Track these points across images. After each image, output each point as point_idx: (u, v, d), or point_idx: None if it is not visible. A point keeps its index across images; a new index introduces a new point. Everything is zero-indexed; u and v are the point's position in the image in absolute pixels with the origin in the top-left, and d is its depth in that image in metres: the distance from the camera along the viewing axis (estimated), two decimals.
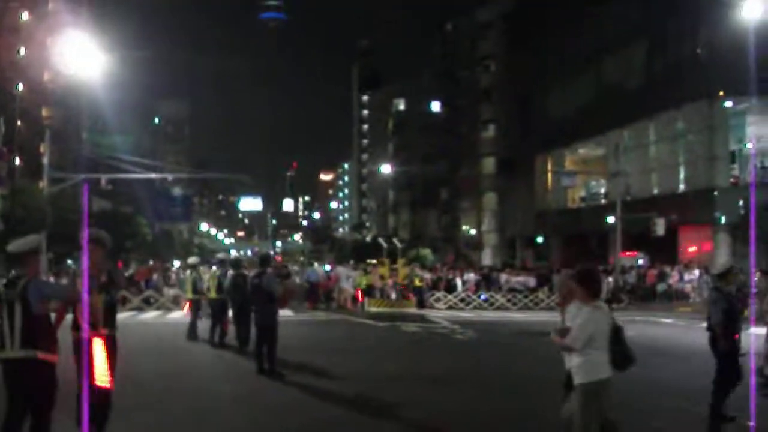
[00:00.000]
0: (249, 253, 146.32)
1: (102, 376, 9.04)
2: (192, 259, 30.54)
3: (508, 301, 43.17)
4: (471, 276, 47.77)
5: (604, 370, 8.25)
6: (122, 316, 32.21)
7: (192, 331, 24.34)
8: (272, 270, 20.70)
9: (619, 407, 13.44)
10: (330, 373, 17.31)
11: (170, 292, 41.34)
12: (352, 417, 12.78)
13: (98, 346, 9.04)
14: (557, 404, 9.37)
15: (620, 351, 8.34)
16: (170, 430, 11.91)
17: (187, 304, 27.63)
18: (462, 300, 42.86)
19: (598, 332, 8.23)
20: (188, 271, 28.38)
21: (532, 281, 47.51)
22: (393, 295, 42.93)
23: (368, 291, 42.65)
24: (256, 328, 17.53)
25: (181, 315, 32.07)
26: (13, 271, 8.53)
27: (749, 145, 51.18)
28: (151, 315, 36.26)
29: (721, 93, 49.72)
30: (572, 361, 8.41)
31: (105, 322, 9.37)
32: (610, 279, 30.37)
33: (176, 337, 24.97)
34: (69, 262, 55.74)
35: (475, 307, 42.21)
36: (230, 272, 24.21)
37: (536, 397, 14.35)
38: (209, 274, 26.31)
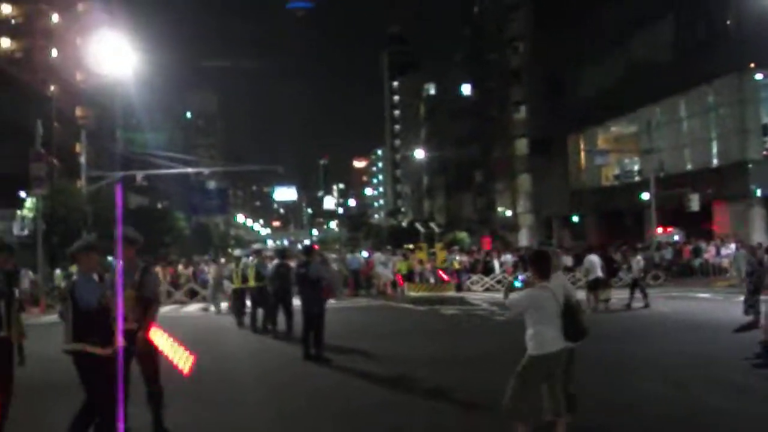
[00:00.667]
0: (285, 242, 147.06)
1: (180, 359, 9.74)
2: (237, 252, 31.30)
3: None
4: (508, 257, 47.89)
5: (552, 344, 8.97)
6: (165, 309, 32.82)
7: (240, 319, 25.32)
8: (320, 259, 21.35)
9: (657, 379, 13.83)
10: (374, 357, 17.68)
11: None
12: (398, 399, 13.03)
13: (157, 338, 9.53)
14: (596, 380, 9.63)
15: (571, 324, 8.97)
16: (217, 416, 12.21)
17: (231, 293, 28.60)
18: (499, 282, 42.96)
19: (539, 309, 8.97)
20: (233, 263, 29.09)
21: (569, 260, 47.59)
22: (432, 279, 43.17)
23: (408, 276, 42.85)
24: (303, 315, 17.96)
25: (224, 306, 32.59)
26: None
27: None
28: (193, 308, 36.69)
29: (752, 65, 49.55)
30: (527, 333, 9.13)
31: (136, 318, 9.81)
32: (640, 257, 30.36)
33: (221, 326, 25.53)
34: (109, 259, 56.27)
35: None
36: (275, 261, 24.72)
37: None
38: (248, 264, 26.90)
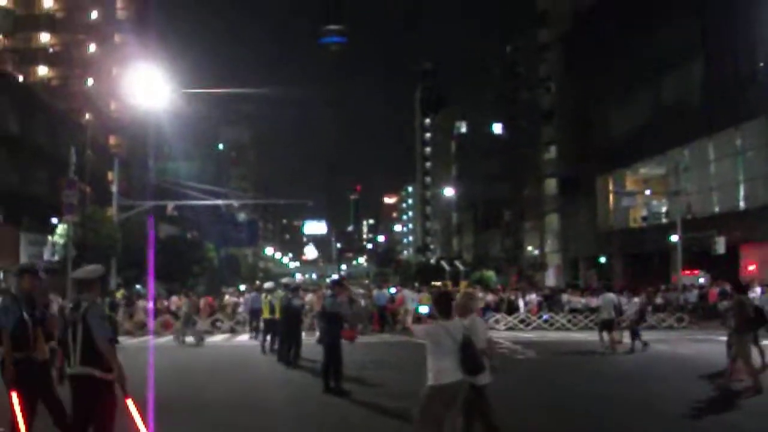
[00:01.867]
0: (314, 276, 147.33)
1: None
2: (268, 284, 31.88)
3: (569, 321, 43.29)
4: (533, 297, 48.00)
5: (449, 375, 9.70)
6: (190, 338, 33.31)
7: (274, 350, 25.93)
8: (345, 294, 21.82)
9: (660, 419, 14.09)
10: (394, 391, 17.79)
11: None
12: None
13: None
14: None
15: (467, 360, 9.74)
16: None
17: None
18: (522, 321, 43.10)
19: (436, 343, 9.81)
20: (264, 294, 29.72)
21: (594, 301, 47.66)
22: None
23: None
24: (325, 349, 18.30)
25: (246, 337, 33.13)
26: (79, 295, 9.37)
27: None
28: (219, 338, 37.09)
29: None
30: (427, 365, 9.90)
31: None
32: (636, 300, 30.26)
33: (244, 357, 25.96)
34: (137, 287, 56.90)
35: (534, 328, 42.42)
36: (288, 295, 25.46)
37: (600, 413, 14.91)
38: (276, 297, 27.55)
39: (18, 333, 10.05)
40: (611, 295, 29.19)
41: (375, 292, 48.46)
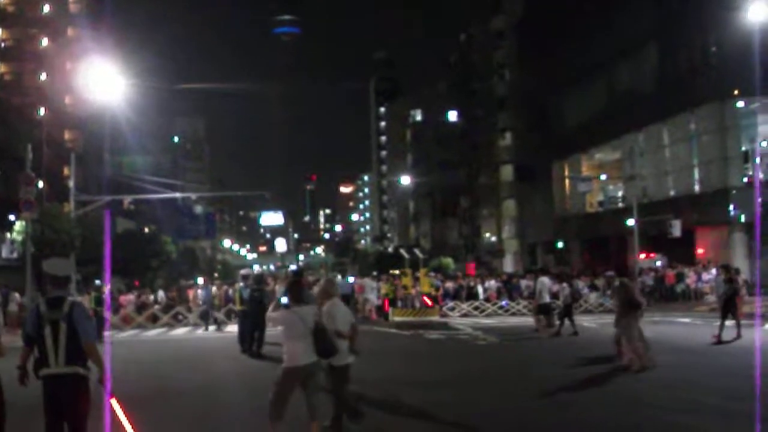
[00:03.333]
0: (272, 267, 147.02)
1: None
2: (244, 271, 32.06)
3: (525, 306, 43.64)
4: (492, 283, 48.34)
5: (301, 358, 10.50)
6: (153, 332, 33.40)
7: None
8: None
9: (632, 402, 14.35)
10: (360, 379, 18.06)
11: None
12: (384, 418, 13.51)
13: None
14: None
15: (318, 343, 10.51)
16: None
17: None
18: (476, 308, 43.43)
19: (290, 327, 10.63)
20: (238, 285, 29.84)
21: (554, 287, 48.10)
22: (417, 304, 43.48)
23: (392, 301, 43.13)
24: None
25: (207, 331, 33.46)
26: (55, 292, 9.04)
27: (765, 144, 51.94)
28: (180, 331, 37.08)
29: (734, 93, 50.13)
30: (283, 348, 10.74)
31: None
32: (565, 285, 30.49)
33: (203, 350, 26.08)
34: (97, 282, 56.63)
35: (489, 314, 42.73)
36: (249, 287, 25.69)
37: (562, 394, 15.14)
38: (235, 289, 27.84)
39: None
40: (546, 279, 29.66)
41: (339, 279, 48.58)
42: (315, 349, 10.53)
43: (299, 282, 11.48)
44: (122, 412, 9.09)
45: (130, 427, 9.23)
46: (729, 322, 23.91)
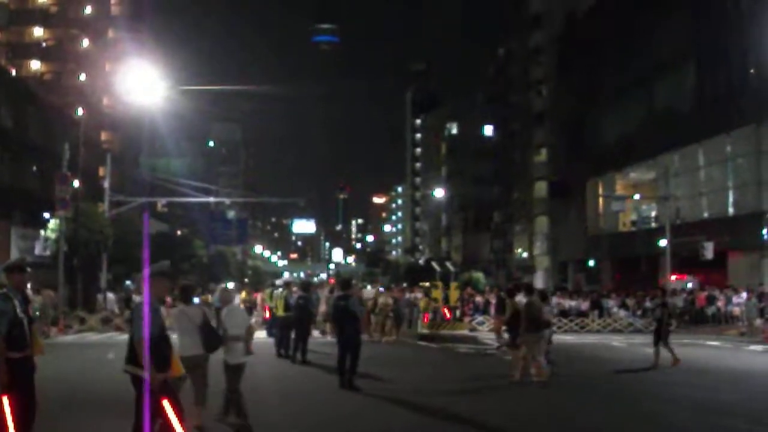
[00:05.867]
0: (302, 275, 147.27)
1: None
2: (281, 281, 32.33)
3: (554, 324, 43.42)
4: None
5: (188, 349, 11.86)
6: None
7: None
8: (355, 293, 22.28)
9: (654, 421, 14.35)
10: (397, 386, 18.91)
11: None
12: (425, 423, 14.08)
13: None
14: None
15: (203, 338, 11.86)
16: None
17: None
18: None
19: (179, 323, 12.11)
20: (279, 291, 29.84)
21: (584, 305, 48.02)
22: (448, 318, 43.25)
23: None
24: (340, 347, 18.76)
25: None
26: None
27: None
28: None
29: None
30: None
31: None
32: (549, 306, 30.13)
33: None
34: (127, 282, 56.91)
35: None
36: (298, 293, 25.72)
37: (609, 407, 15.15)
38: (278, 295, 27.96)
39: (15, 333, 9.80)
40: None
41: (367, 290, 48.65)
42: (202, 343, 11.82)
43: (189, 287, 13.40)
44: (173, 414, 9.05)
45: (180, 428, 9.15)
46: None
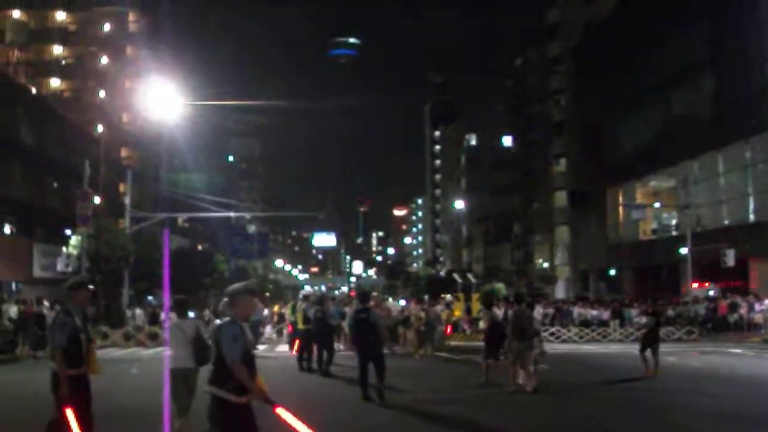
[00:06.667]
0: (323, 288, 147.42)
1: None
2: (306, 291, 32.52)
3: (576, 334, 43.48)
4: (539, 310, 48.09)
5: (180, 361, 12.04)
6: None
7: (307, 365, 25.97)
8: (378, 303, 22.46)
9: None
10: (421, 397, 19.14)
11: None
12: None
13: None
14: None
15: (195, 352, 12.00)
16: None
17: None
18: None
19: (173, 336, 12.27)
20: (300, 304, 29.92)
21: (605, 314, 47.91)
22: (467, 329, 43.33)
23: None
24: (360, 359, 18.82)
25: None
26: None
27: None
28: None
29: None
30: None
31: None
32: (539, 310, 29.90)
33: (275, 368, 26.21)
34: (149, 298, 57.16)
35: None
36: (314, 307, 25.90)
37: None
38: (298, 308, 28.16)
39: (73, 350, 9.89)
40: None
41: (389, 303, 48.78)
42: (194, 356, 12.03)
43: (184, 300, 13.53)
44: (299, 423, 8.41)
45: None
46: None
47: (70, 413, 9.39)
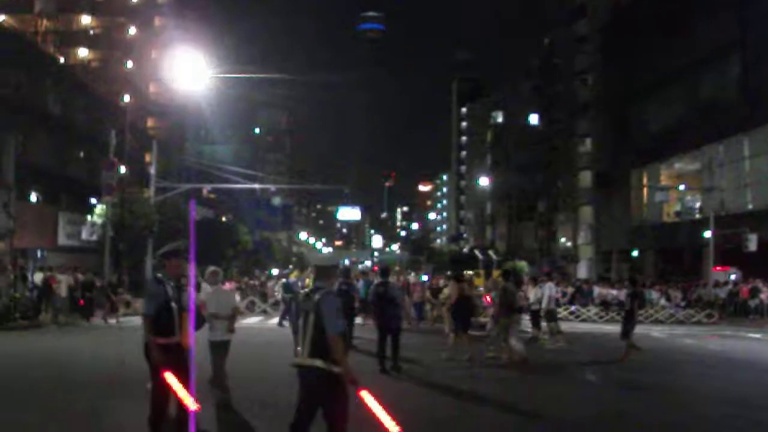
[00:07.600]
0: (347, 262, 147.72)
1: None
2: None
3: (595, 314, 43.61)
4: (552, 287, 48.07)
5: (221, 335, 13.81)
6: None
7: None
8: (394, 279, 22.64)
9: (680, 411, 14.53)
10: (437, 371, 19.41)
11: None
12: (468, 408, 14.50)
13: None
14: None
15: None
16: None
17: None
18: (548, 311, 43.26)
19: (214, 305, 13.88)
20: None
21: (622, 295, 47.91)
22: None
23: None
24: (379, 332, 19.22)
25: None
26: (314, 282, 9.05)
27: None
28: (253, 320, 37.47)
29: None
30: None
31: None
32: (549, 285, 29.51)
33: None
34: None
35: (559, 319, 42.60)
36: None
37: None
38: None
39: (163, 319, 9.78)
40: (552, 284, 29.61)
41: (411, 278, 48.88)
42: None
43: (215, 271, 15.34)
44: (377, 406, 8.38)
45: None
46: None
47: (169, 376, 9.18)
